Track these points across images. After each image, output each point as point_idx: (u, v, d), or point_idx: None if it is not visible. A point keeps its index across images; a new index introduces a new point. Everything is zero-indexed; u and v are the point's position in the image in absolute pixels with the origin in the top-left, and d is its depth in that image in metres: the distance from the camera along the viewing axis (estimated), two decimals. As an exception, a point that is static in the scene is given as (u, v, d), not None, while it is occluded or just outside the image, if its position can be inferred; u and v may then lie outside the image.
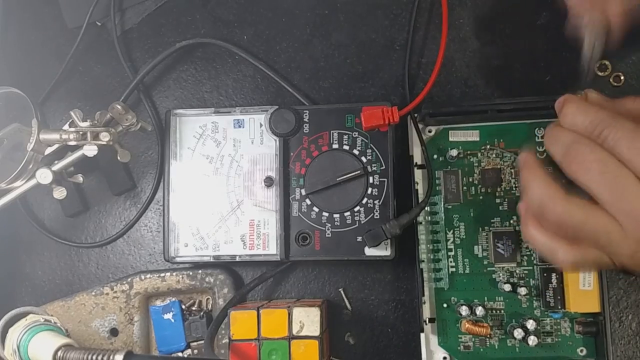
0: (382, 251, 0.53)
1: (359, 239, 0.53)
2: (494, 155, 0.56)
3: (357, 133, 0.54)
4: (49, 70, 0.62)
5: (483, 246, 0.55)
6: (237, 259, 0.55)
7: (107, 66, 0.62)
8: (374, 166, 0.54)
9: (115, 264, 0.60)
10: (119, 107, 0.53)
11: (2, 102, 0.55)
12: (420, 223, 0.55)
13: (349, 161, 0.54)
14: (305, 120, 0.55)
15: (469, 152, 0.56)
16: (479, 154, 0.56)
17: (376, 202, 0.54)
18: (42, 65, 0.62)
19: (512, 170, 0.55)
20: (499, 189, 0.55)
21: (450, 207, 0.55)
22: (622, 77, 0.58)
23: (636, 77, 0.58)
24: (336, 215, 0.54)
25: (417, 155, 0.56)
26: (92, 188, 0.61)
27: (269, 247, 0.54)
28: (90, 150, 0.53)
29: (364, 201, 0.54)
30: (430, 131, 0.56)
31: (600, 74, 0.58)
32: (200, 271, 0.57)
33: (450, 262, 0.55)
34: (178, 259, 0.55)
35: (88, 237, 0.61)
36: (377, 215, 0.53)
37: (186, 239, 0.55)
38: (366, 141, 0.54)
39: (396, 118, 0.53)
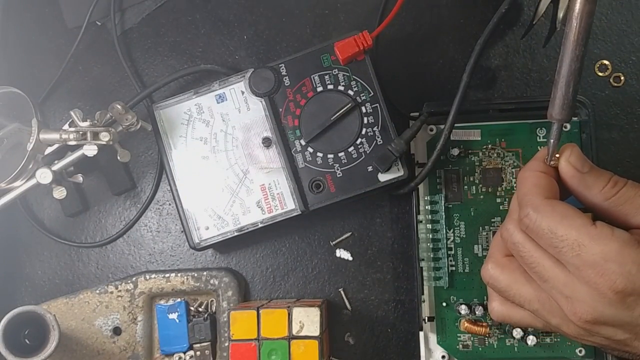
0: (395, 173, 0.53)
1: (370, 168, 0.53)
2: (495, 155, 0.56)
3: (336, 70, 0.54)
4: (49, 70, 0.62)
5: (483, 245, 0.55)
6: (260, 225, 0.54)
7: (107, 66, 0.62)
8: (362, 95, 0.54)
9: (115, 264, 0.60)
10: (118, 107, 0.53)
11: (2, 102, 0.55)
12: (421, 222, 0.55)
13: (337, 99, 0.54)
14: (284, 73, 0.55)
15: (470, 151, 0.56)
16: (480, 154, 0.56)
17: (375, 128, 0.54)
18: (42, 65, 0.62)
19: (513, 170, 0.55)
20: (499, 189, 0.55)
21: (450, 206, 0.55)
22: (622, 78, 0.58)
23: (636, 77, 0.58)
24: (341, 154, 0.54)
25: (419, 154, 0.56)
26: (92, 188, 0.61)
27: (287, 205, 0.54)
28: (90, 150, 0.53)
29: (363, 131, 0.54)
30: (431, 130, 0.56)
31: (600, 74, 0.58)
32: (205, 273, 0.57)
33: (450, 261, 0.55)
34: (203, 244, 0.54)
35: (88, 237, 0.61)
36: (380, 141, 0.53)
37: (206, 223, 0.55)
38: (348, 74, 0.54)
39: (369, 41, 0.53)
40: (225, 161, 0.55)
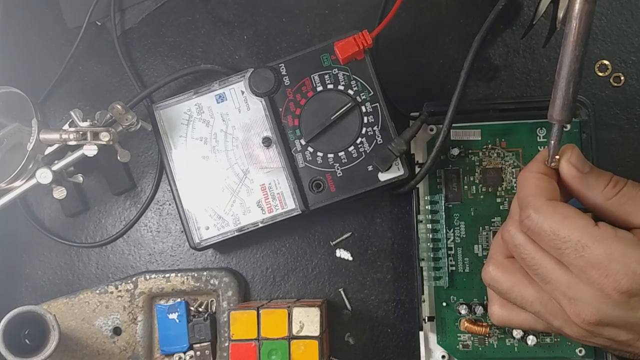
0: (396, 172, 0.53)
1: (370, 168, 0.53)
2: (495, 155, 0.56)
3: (336, 69, 0.54)
4: (49, 70, 0.62)
5: (483, 245, 0.55)
6: (260, 225, 0.54)
7: (107, 66, 0.62)
8: (362, 95, 0.54)
9: (115, 264, 0.60)
10: (119, 107, 0.53)
11: (2, 102, 0.55)
12: (421, 222, 0.55)
13: (337, 98, 0.54)
14: (284, 73, 0.55)
15: (470, 151, 0.56)
16: (480, 153, 0.56)
17: (375, 128, 0.54)
18: (42, 65, 0.62)
19: (513, 170, 0.55)
20: (499, 189, 0.55)
21: (450, 206, 0.55)
22: (622, 78, 0.58)
23: (636, 77, 0.58)
24: (341, 154, 0.54)
25: (419, 154, 0.56)
26: (92, 188, 0.61)
27: (287, 204, 0.54)
28: (90, 150, 0.53)
29: (363, 131, 0.54)
30: (431, 130, 0.56)
31: (600, 74, 0.58)
32: (205, 273, 0.57)
33: (450, 261, 0.55)
34: (204, 244, 0.54)
35: (88, 237, 0.61)
36: (380, 140, 0.54)
37: (206, 223, 0.55)
38: (347, 74, 0.54)
39: (369, 41, 0.53)
40: (226, 161, 0.55)
